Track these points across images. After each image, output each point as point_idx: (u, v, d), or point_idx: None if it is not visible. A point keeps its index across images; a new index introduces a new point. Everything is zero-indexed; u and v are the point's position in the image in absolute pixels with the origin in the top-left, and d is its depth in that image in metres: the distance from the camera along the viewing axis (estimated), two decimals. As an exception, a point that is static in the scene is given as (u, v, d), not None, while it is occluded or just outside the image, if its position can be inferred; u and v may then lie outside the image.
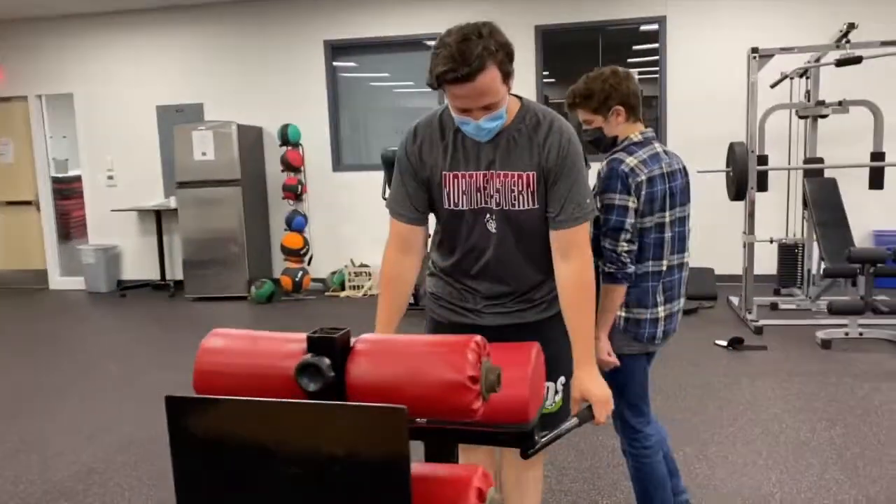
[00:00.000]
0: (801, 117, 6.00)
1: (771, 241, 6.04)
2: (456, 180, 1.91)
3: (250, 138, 7.68)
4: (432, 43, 1.85)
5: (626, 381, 2.33)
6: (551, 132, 1.88)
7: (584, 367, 1.90)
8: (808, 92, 5.98)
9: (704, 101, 6.83)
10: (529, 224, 1.93)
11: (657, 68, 7.02)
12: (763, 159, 5.74)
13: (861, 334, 5.06)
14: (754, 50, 5.41)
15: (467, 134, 1.86)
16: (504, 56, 1.72)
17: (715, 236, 6.65)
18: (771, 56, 5.52)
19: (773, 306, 6.06)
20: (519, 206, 1.90)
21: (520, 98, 1.93)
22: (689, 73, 6.89)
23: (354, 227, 7.72)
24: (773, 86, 6.00)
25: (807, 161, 5.96)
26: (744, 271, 5.74)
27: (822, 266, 5.35)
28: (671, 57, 6.94)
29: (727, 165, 5.79)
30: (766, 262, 6.51)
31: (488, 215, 1.93)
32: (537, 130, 1.88)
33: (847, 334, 5.07)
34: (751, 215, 5.59)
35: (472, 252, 1.99)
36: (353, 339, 1.28)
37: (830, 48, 5.42)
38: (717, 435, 3.58)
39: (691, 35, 6.88)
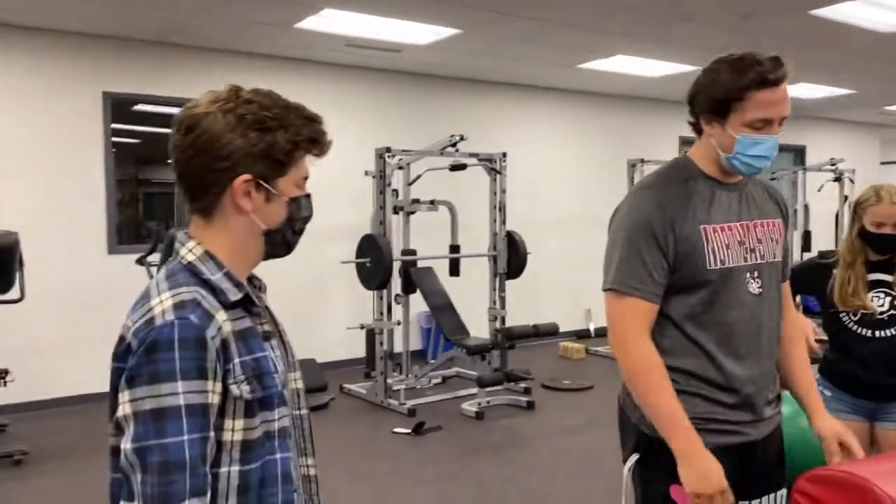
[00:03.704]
0: (395, 212, 6.56)
1: (362, 328, 6.37)
2: (716, 234, 1.73)
3: None
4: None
5: None
6: (764, 182, 1.92)
7: (824, 413, 1.88)
8: (395, 190, 6.60)
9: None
10: (778, 280, 1.86)
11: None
12: (411, 251, 6.23)
13: (489, 402, 5.81)
14: (388, 149, 5.78)
15: (745, 166, 1.72)
16: None
17: (310, 325, 6.65)
18: (394, 155, 5.96)
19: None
20: (775, 257, 1.84)
21: None
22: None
23: None
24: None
25: (404, 252, 6.54)
26: (380, 360, 5.91)
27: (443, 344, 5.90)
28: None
29: (359, 256, 5.92)
30: (342, 348, 6.99)
31: (748, 274, 1.77)
32: (753, 179, 1.86)
33: (480, 404, 5.75)
34: (389, 304, 5.85)
35: (735, 330, 1.74)
36: None
37: (434, 154, 6.15)
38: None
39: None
